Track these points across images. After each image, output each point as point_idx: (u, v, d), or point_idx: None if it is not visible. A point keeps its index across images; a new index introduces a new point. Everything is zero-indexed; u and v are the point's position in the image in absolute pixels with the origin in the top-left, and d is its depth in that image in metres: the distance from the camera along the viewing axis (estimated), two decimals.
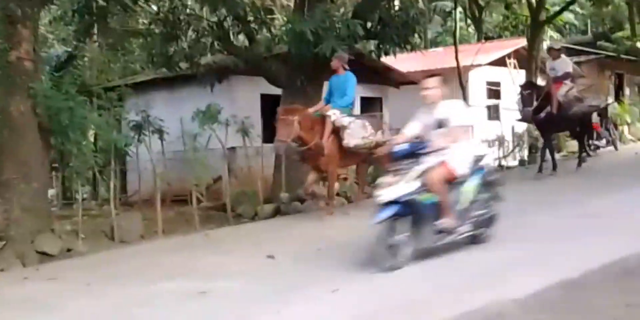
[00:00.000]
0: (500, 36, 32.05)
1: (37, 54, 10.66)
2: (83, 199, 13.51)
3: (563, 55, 14.40)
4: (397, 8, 13.68)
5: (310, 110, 10.77)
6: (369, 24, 12.74)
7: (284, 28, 12.57)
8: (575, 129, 14.90)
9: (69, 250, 9.50)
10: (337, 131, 10.50)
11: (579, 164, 14.45)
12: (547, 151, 14.13)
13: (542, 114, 13.37)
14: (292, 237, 9.42)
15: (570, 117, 13.64)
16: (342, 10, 13.14)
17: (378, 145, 10.14)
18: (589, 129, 15.69)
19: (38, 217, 9.64)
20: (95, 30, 18.21)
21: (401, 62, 17.14)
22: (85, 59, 20.57)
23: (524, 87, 13.85)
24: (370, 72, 17.48)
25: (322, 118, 10.60)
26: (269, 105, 15.09)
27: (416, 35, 13.43)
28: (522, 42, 24.00)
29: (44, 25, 18.58)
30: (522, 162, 18.24)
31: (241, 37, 16.19)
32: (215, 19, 13.93)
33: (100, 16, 14.99)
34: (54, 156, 12.41)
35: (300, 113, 10.25)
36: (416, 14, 12.70)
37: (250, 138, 13.44)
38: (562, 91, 13.52)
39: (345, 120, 10.51)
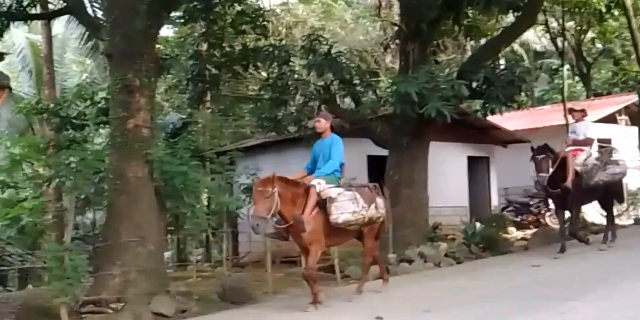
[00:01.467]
0: (609, 93, 31.28)
1: (153, 121, 11.20)
2: (197, 261, 13.82)
3: (586, 118, 12.57)
4: (502, 67, 13.69)
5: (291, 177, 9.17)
6: (474, 84, 12.76)
7: (388, 90, 12.77)
8: (600, 200, 12.74)
9: (183, 311, 9.72)
10: (324, 204, 8.77)
11: (606, 238, 12.33)
12: (566, 230, 12.13)
13: (558, 190, 11.50)
14: (400, 298, 9.35)
15: (591, 188, 11.77)
16: (446, 70, 13.23)
17: (371, 221, 9.12)
18: (618, 197, 13.09)
19: (154, 278, 9.95)
20: (208, 97, 19.02)
21: (508, 120, 17.01)
22: (199, 125, 21.34)
23: (537, 151, 11.60)
24: (476, 131, 17.43)
25: (306, 189, 8.84)
26: (375, 166, 15.22)
27: (522, 94, 13.30)
28: (632, 98, 23.39)
29: (159, 93, 19.47)
30: (637, 221, 17.55)
31: (347, 99, 16.53)
32: (322, 83, 14.29)
33: (213, 83, 15.71)
34: (169, 219, 12.81)
35: (280, 183, 8.52)
36: (522, 73, 12.64)
37: None
38: (580, 159, 11.74)
39: (332, 191, 8.83)
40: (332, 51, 13.84)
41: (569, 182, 11.39)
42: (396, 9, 19.66)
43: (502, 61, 14.82)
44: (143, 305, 9.46)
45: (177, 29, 20.35)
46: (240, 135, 22.14)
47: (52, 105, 17.02)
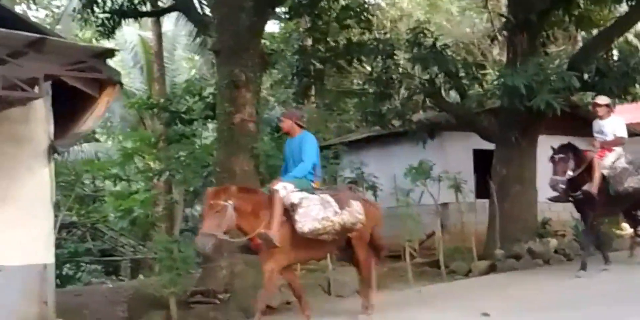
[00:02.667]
0: None
1: (259, 115, 11.36)
2: None
3: (613, 114, 10.84)
4: (615, 58, 13.17)
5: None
6: (585, 76, 12.34)
7: (495, 82, 12.50)
8: (630, 211, 11.25)
9: (288, 302, 9.82)
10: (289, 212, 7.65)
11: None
12: (591, 242, 10.78)
13: (579, 193, 10.21)
14: (507, 295, 9.17)
15: (619, 195, 10.24)
16: (556, 62, 12.82)
17: (346, 228, 7.73)
18: None
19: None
20: (313, 92, 19.11)
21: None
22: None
23: (557, 150, 10.26)
24: (588, 124, 16.85)
25: (270, 197, 7.65)
26: (481, 161, 14.93)
27: (637, 86, 12.74)
28: None
29: (265, 88, 19.75)
30: None
31: (452, 93, 16.28)
32: (426, 76, 14.13)
33: (317, 78, 15.78)
34: None
35: (237, 194, 7.40)
36: (637, 64, 12.11)
37: (462, 194, 13.35)
38: (607, 161, 10.26)
39: (294, 196, 7.58)
40: (438, 44, 13.64)
41: (593, 187, 9.98)
42: (504, 0, 19.22)
43: (615, 52, 14.20)
44: (249, 297, 9.61)
45: (282, 24, 20.54)
46: (344, 129, 22.17)
47: (162, 100, 17.54)
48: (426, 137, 14.68)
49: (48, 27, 13.19)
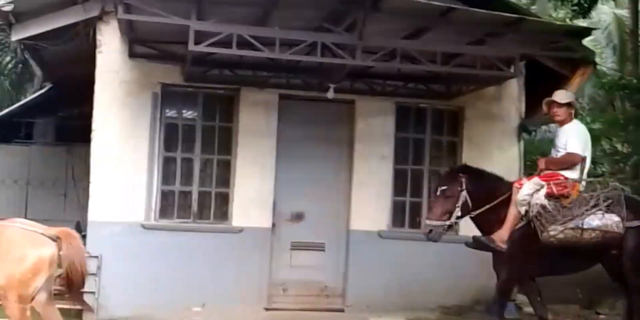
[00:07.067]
0: None
1: None
2: None
3: (576, 121, 7.59)
4: None
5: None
6: None
7: None
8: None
9: None
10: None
11: None
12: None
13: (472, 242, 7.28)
14: None
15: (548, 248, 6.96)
16: None
17: None
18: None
19: None
20: None
21: None
22: None
23: (443, 178, 7.75)
24: None
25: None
26: None
27: None
28: None
29: None
30: None
31: None
32: None
33: None
34: None
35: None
36: None
37: None
38: (521, 194, 6.99)
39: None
40: None
41: (501, 232, 7.03)
42: None
43: None
44: None
45: None
46: None
47: (634, 81, 16.78)
48: None
49: (524, 7, 13.49)
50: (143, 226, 9.07)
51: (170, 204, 9.42)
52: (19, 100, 15.43)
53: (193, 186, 9.46)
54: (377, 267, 9.33)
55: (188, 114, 9.77)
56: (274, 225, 9.51)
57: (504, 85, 9.57)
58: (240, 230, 9.33)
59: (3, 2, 8.19)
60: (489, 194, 7.20)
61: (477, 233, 7.37)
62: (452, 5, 7.36)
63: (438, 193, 7.30)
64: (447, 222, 7.17)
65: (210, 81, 9.33)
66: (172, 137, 9.43)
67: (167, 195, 9.40)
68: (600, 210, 6.80)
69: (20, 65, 15.94)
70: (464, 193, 7.11)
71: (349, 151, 9.78)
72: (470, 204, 7.16)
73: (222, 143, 9.60)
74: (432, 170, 9.87)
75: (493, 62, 8.17)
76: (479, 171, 7.46)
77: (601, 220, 6.77)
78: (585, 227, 6.73)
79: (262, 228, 9.41)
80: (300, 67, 8.86)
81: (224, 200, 9.54)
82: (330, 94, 8.53)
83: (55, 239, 5.71)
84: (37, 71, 13.51)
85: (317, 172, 9.66)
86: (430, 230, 7.17)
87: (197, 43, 7.40)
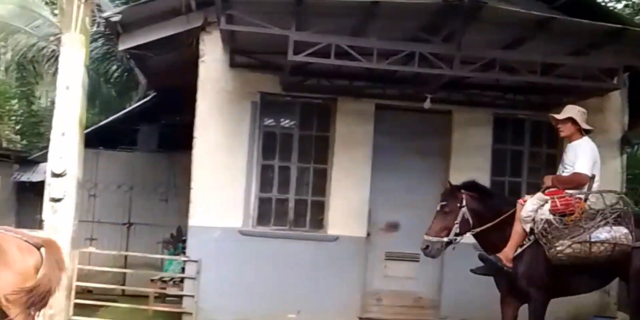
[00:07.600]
0: None
1: None
2: None
3: (586, 138, 7.08)
4: None
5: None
6: None
7: None
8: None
9: None
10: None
11: None
12: None
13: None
14: None
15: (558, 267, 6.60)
16: None
17: None
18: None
19: None
20: None
21: None
22: None
23: (444, 193, 7.19)
24: None
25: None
26: None
27: None
28: None
29: None
30: None
31: None
32: None
33: None
34: None
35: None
36: None
37: None
38: (525, 211, 6.67)
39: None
40: None
41: (506, 250, 6.79)
42: None
43: None
44: None
45: None
46: None
47: None
48: None
49: (627, 17, 13.12)
50: (241, 232, 9.28)
51: (267, 211, 9.60)
52: (124, 108, 15.91)
53: (290, 194, 9.62)
54: (473, 279, 9.22)
55: (286, 122, 9.94)
56: (368, 234, 9.57)
57: (606, 97, 9.34)
58: (336, 238, 9.42)
59: (111, 13, 8.58)
60: (492, 211, 7.05)
61: None
62: (552, 15, 7.26)
63: (438, 208, 7.18)
64: (445, 239, 7.03)
65: (308, 91, 9.48)
66: (270, 145, 9.62)
67: (264, 202, 9.59)
68: (607, 223, 6.49)
69: (125, 74, 16.46)
70: (464, 209, 7.01)
71: (445, 162, 9.74)
72: (471, 221, 7.03)
73: (319, 152, 9.73)
74: (530, 183, 9.69)
75: (595, 73, 7.99)
76: (481, 188, 7.33)
77: (609, 233, 6.44)
78: (593, 240, 6.42)
79: (357, 237, 9.47)
80: (397, 77, 8.90)
81: (320, 209, 9.65)
82: (427, 105, 8.54)
83: (39, 247, 5.57)
84: (142, 80, 14.01)
85: (412, 182, 9.65)
86: (427, 246, 7.06)
87: (296, 53, 7.55)
